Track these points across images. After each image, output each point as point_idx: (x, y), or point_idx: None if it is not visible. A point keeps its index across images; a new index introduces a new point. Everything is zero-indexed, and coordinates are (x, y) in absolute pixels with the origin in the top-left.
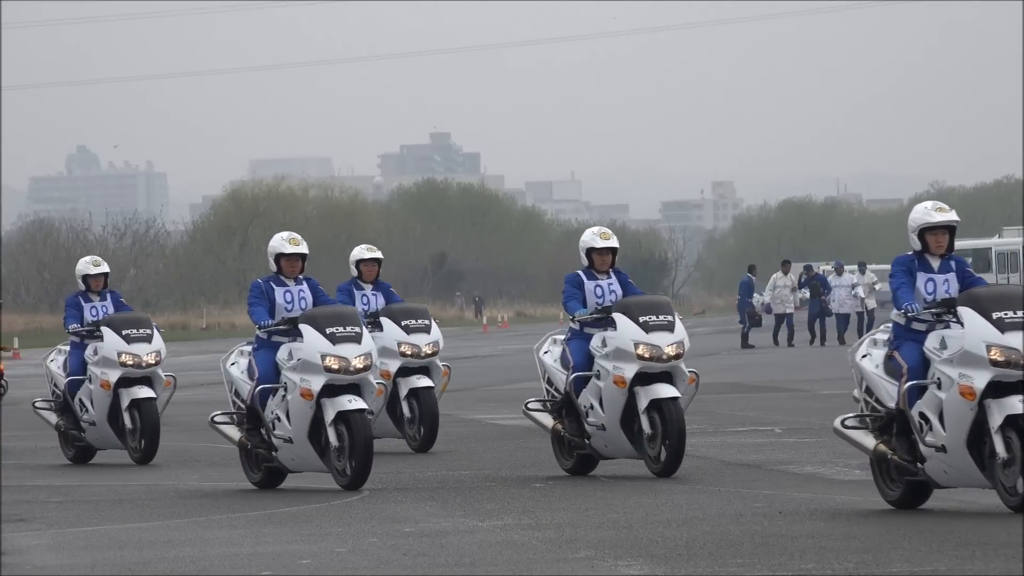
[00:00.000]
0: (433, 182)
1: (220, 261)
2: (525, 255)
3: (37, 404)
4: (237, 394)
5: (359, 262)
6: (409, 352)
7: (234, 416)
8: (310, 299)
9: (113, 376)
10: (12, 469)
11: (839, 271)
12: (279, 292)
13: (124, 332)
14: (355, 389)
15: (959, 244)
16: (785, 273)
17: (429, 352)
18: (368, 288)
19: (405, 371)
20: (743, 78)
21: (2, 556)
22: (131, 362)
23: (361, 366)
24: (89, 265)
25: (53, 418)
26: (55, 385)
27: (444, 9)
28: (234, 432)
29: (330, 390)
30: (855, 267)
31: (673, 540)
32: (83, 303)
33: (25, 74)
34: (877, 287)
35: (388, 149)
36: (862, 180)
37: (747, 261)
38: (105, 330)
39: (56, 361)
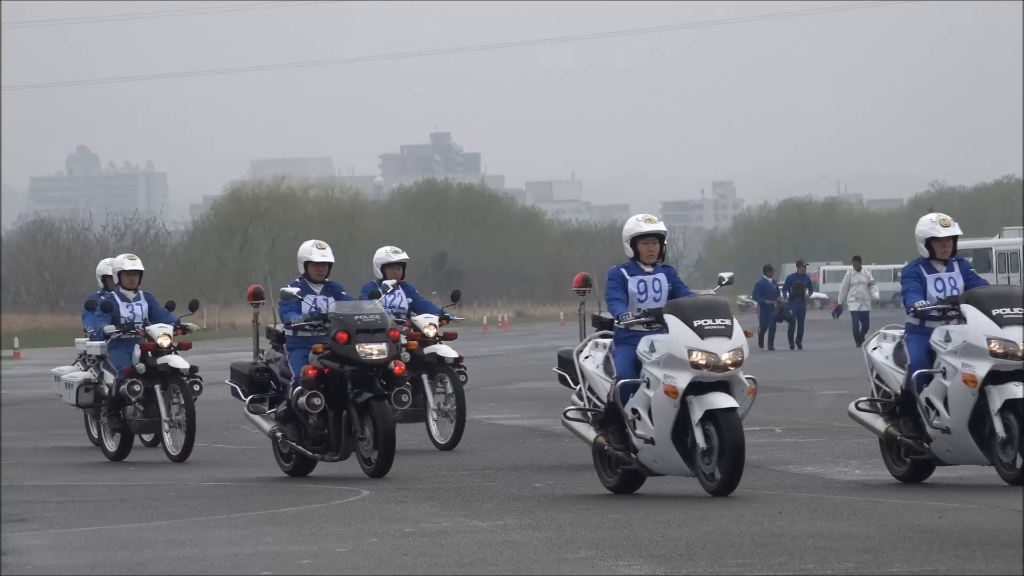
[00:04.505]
0: (433, 182)
1: (220, 261)
2: (525, 255)
3: (570, 415)
4: (592, 391)
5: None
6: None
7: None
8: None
9: (682, 381)
10: (12, 469)
11: None
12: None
13: (696, 323)
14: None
15: (960, 244)
16: (858, 269)
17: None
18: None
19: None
20: (743, 78)
21: (2, 556)
22: (705, 362)
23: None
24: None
25: (591, 433)
26: (592, 390)
27: (444, 9)
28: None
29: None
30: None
31: (673, 540)
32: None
33: (25, 74)
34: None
35: (388, 149)
36: (862, 180)
37: (748, 261)
38: (671, 319)
39: (593, 358)
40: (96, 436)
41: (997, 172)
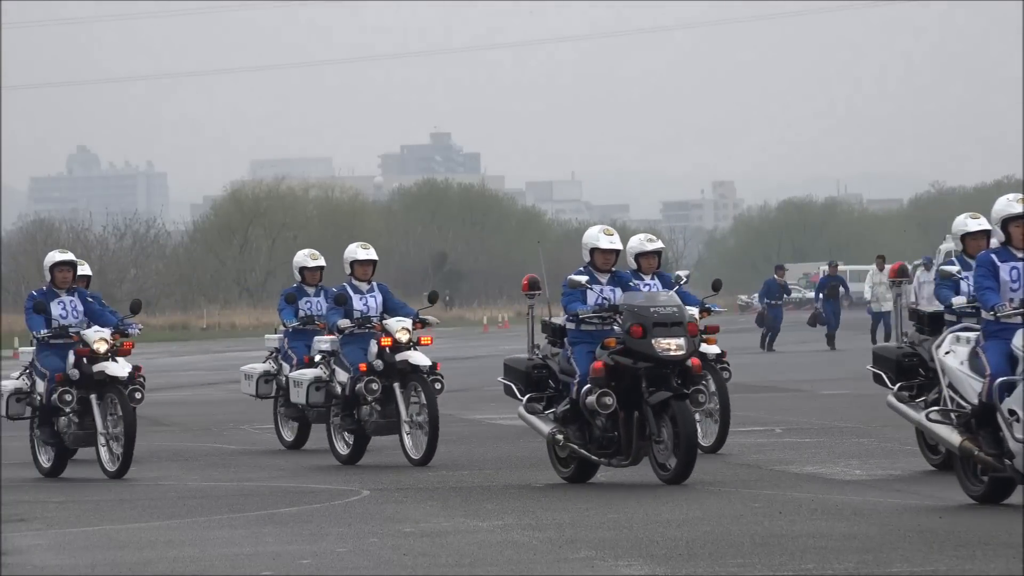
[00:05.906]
0: (433, 182)
1: (220, 261)
2: (525, 255)
3: (932, 416)
4: (953, 389)
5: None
6: None
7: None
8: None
9: None
10: (12, 469)
11: (928, 266)
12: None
13: None
14: None
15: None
16: (880, 268)
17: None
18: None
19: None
20: (743, 78)
21: (2, 556)
22: None
23: None
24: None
25: (955, 437)
26: (954, 388)
27: (444, 9)
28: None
29: None
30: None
31: (673, 540)
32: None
33: (25, 74)
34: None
35: (388, 149)
36: (862, 180)
37: (747, 261)
38: None
39: (955, 354)
40: (290, 439)
41: (997, 172)
